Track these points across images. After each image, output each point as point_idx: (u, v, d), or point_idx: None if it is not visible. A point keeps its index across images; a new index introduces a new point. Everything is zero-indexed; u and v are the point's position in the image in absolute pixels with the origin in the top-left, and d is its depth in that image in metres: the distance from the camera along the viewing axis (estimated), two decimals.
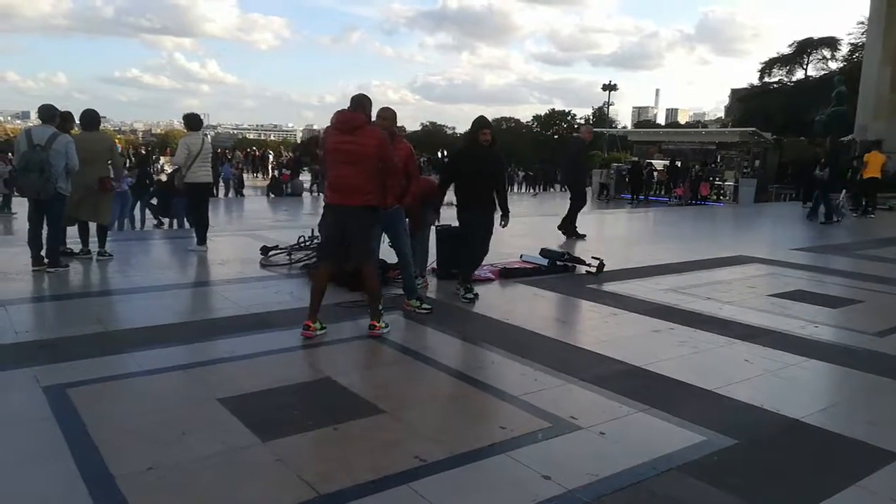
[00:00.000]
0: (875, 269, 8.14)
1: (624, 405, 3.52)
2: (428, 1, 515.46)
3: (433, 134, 74.57)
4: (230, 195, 23.96)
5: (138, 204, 13.48)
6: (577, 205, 10.23)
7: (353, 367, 4.26)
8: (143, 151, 34.31)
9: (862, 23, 34.99)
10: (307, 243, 7.51)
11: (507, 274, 6.86)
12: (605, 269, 7.14)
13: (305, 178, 26.90)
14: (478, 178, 5.75)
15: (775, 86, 47.36)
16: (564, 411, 3.41)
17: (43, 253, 6.52)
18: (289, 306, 5.46)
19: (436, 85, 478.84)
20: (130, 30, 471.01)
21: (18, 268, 6.55)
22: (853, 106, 24.08)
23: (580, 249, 8.80)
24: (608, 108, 55.70)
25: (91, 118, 7.30)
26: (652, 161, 28.76)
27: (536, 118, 74.22)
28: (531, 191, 35.10)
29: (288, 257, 7.33)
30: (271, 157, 36.99)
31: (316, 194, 24.24)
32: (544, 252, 7.48)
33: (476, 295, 5.85)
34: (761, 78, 48.88)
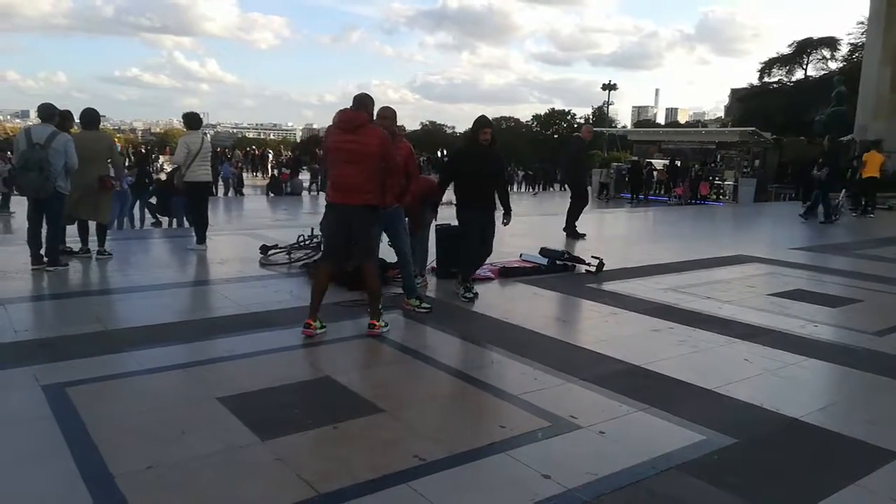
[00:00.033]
0: (874, 269, 8.13)
1: (623, 404, 3.52)
2: (428, 0, 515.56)
3: (433, 133, 74.58)
4: (230, 194, 23.95)
5: (137, 203, 13.48)
6: (577, 203, 10.23)
7: (353, 367, 4.26)
8: (143, 150, 34.31)
9: (862, 23, 35.03)
10: (307, 242, 7.51)
11: (507, 273, 6.86)
12: (604, 269, 7.14)
13: (305, 177, 26.89)
14: (478, 177, 5.75)
15: (775, 86, 47.39)
16: (564, 410, 3.41)
17: (42, 252, 6.52)
18: (288, 305, 5.46)
19: (435, 84, 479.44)
20: (130, 29, 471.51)
21: (18, 266, 6.54)
22: (853, 106, 24.09)
23: (580, 249, 8.80)
24: (608, 107, 55.80)
25: (91, 117, 7.30)
26: (652, 160, 28.76)
27: (536, 118, 74.26)
28: (531, 190, 35.09)
29: (287, 256, 7.33)
30: (271, 157, 36.97)
31: (315, 193, 24.24)
32: (544, 251, 7.47)
33: (476, 294, 5.85)
34: (761, 78, 48.94)
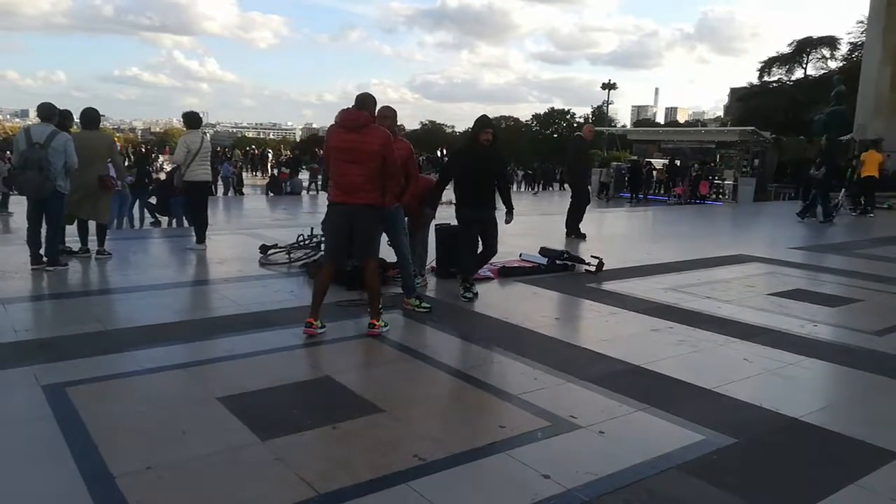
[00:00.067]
0: (874, 269, 8.14)
1: (623, 404, 3.52)
2: None
3: (432, 133, 74.64)
4: (229, 194, 23.95)
5: (137, 203, 13.47)
6: (577, 203, 10.23)
7: (353, 366, 4.26)
8: (143, 150, 34.30)
9: (861, 22, 35.07)
10: (306, 242, 7.51)
11: (507, 273, 6.86)
12: (604, 268, 7.14)
13: (304, 176, 26.88)
14: (479, 176, 5.75)
15: (775, 85, 47.39)
16: (564, 410, 3.41)
17: (42, 252, 6.51)
18: (288, 305, 5.46)
19: (435, 83, 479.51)
20: (130, 28, 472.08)
21: (17, 266, 6.54)
22: (852, 105, 24.08)
23: (579, 248, 8.80)
24: (607, 106, 55.84)
25: (91, 117, 7.30)
26: (651, 160, 28.76)
27: (536, 117, 74.31)
28: (531, 190, 35.08)
29: (287, 256, 7.33)
30: (270, 156, 36.97)
31: (315, 193, 24.23)
32: (543, 251, 7.47)
33: (476, 294, 5.85)
34: (761, 77, 48.95)
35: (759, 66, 49.07)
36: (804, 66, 46.82)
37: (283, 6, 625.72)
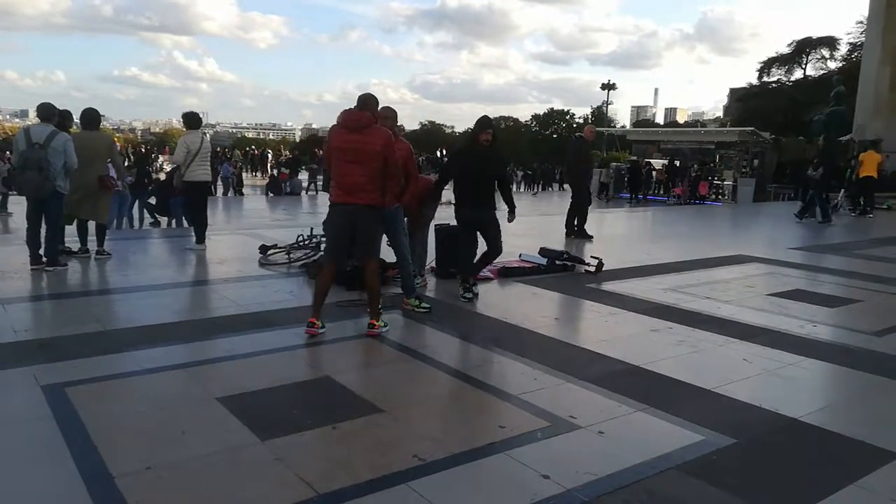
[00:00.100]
0: (873, 269, 8.14)
1: (623, 404, 3.52)
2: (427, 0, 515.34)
3: (432, 133, 74.70)
4: (229, 194, 23.95)
5: (136, 203, 13.46)
6: (577, 204, 10.23)
7: (352, 366, 4.26)
8: (143, 150, 34.29)
9: (861, 22, 35.10)
10: (306, 242, 7.51)
11: (506, 273, 6.86)
12: (603, 269, 7.14)
13: (304, 177, 26.88)
14: (479, 177, 5.75)
15: (774, 85, 47.39)
16: (563, 410, 3.41)
17: (41, 252, 6.51)
18: (288, 305, 5.46)
19: (434, 84, 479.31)
20: (129, 28, 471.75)
21: (17, 266, 6.54)
22: (852, 105, 24.09)
23: (579, 249, 8.81)
24: (607, 107, 55.85)
25: (91, 117, 7.30)
26: (651, 160, 28.75)
27: (535, 117, 74.34)
28: (530, 190, 35.09)
29: (287, 256, 7.33)
30: (270, 157, 36.98)
31: (314, 193, 24.23)
32: (543, 251, 7.48)
33: (476, 294, 5.85)
34: (760, 77, 48.95)
35: (759, 66, 49.13)
36: (803, 66, 46.85)
37: (283, 6, 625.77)
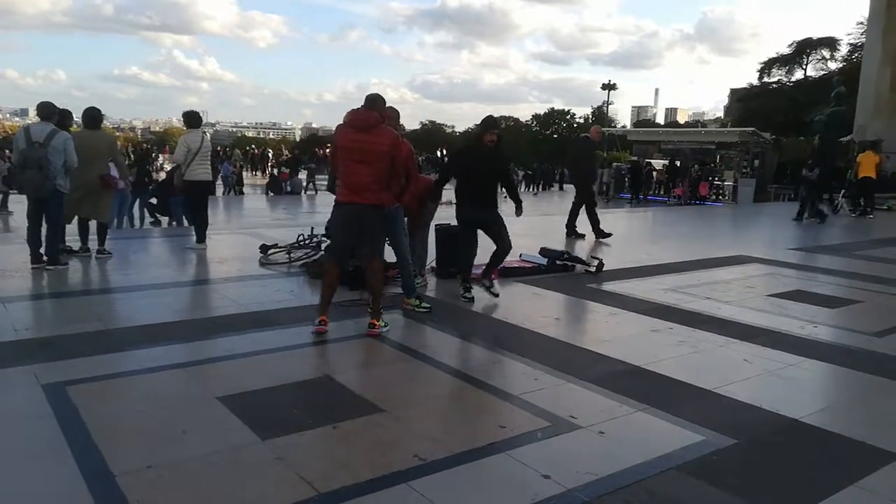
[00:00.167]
0: (874, 270, 8.14)
1: (623, 404, 3.52)
2: None
3: (432, 133, 74.63)
4: (230, 193, 23.94)
5: (137, 202, 13.46)
6: (580, 203, 10.22)
7: (353, 366, 4.26)
8: (144, 148, 34.27)
9: (861, 23, 35.05)
10: (306, 242, 7.51)
11: (507, 273, 6.85)
12: (604, 269, 7.14)
13: (304, 176, 26.87)
14: (483, 177, 5.74)
15: (774, 86, 47.38)
16: (564, 410, 3.41)
17: (42, 251, 6.51)
18: (288, 304, 5.47)
19: (435, 83, 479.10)
20: (130, 27, 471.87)
21: (17, 265, 6.54)
22: (852, 106, 24.09)
23: (579, 249, 8.81)
24: (607, 107, 55.90)
25: (92, 117, 7.31)
26: (651, 161, 28.74)
27: (536, 117, 74.27)
28: (531, 190, 35.07)
29: (287, 256, 7.33)
30: (270, 156, 36.97)
31: (313, 192, 24.22)
32: (543, 251, 7.48)
33: (497, 294, 5.80)
34: (760, 78, 48.93)
35: (759, 66, 49.11)
36: (804, 66, 46.84)
37: (283, 6, 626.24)
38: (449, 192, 6.15)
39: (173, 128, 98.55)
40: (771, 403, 3.60)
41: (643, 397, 3.60)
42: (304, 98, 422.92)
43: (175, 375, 3.84)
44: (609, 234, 9.98)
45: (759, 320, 5.41)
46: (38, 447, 2.90)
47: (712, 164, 26.52)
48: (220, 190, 22.91)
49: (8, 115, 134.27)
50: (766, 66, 48.16)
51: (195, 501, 2.50)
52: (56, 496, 2.52)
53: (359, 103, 4.75)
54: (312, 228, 7.64)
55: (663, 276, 7.21)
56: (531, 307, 5.80)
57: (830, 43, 45.22)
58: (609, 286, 6.56)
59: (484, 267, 5.90)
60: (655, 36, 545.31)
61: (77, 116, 7.71)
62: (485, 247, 5.95)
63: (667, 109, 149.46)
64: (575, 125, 66.70)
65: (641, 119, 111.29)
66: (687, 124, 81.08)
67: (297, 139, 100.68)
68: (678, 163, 26.54)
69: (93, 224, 7.38)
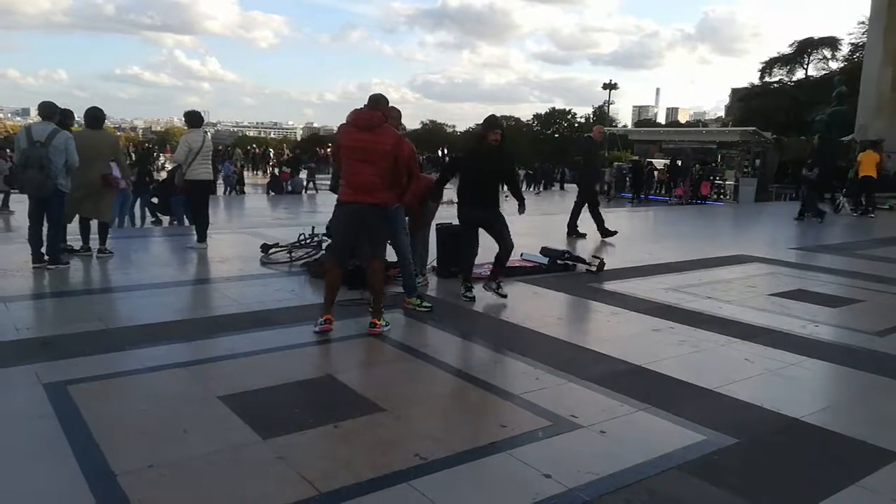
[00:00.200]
0: (875, 269, 8.14)
1: (624, 404, 3.52)
2: None
3: (433, 132, 74.65)
4: (231, 193, 23.95)
5: (138, 201, 13.47)
6: (581, 202, 10.22)
7: (354, 365, 4.26)
8: (146, 147, 34.28)
9: (863, 23, 35.03)
10: (307, 241, 7.51)
11: (508, 272, 6.82)
12: (605, 268, 7.14)
13: (304, 175, 26.87)
14: (486, 177, 5.74)
15: (776, 85, 47.32)
16: (565, 410, 3.41)
17: (43, 250, 6.52)
18: (289, 304, 5.47)
19: (436, 83, 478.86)
20: (131, 27, 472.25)
21: (18, 265, 6.55)
22: (853, 106, 24.06)
23: (581, 248, 8.81)
24: (608, 107, 55.80)
25: (95, 117, 7.31)
26: (652, 160, 28.74)
27: (537, 117, 74.25)
28: (532, 190, 35.04)
29: (288, 255, 7.33)
30: (272, 155, 36.98)
31: (313, 192, 24.23)
32: (545, 251, 7.47)
33: (505, 295, 5.79)
34: (762, 77, 48.85)
35: (761, 66, 49.03)
36: (805, 66, 46.77)
37: (284, 6, 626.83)
38: (450, 192, 6.14)
39: (174, 127, 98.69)
40: (772, 403, 3.60)
41: (644, 397, 3.60)
42: (305, 98, 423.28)
43: (176, 375, 3.84)
44: (614, 233, 10.00)
45: (761, 320, 5.40)
46: (39, 446, 2.91)
47: (713, 164, 26.52)
48: (221, 189, 22.92)
49: (9, 115, 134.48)
50: (768, 66, 48.11)
51: (196, 501, 2.51)
52: (57, 495, 2.52)
53: (360, 103, 4.77)
54: (313, 228, 7.64)
55: (664, 275, 7.20)
56: (532, 307, 5.80)
57: (832, 42, 45.17)
58: (610, 286, 6.56)
59: (485, 268, 5.89)
60: (656, 36, 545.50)
61: (78, 116, 7.71)
62: (486, 246, 5.95)
63: (668, 109, 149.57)
64: (576, 125, 66.71)
65: (642, 119, 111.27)
66: (688, 124, 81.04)
67: (299, 139, 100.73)
68: (679, 162, 26.51)
69: (94, 223, 7.39)
